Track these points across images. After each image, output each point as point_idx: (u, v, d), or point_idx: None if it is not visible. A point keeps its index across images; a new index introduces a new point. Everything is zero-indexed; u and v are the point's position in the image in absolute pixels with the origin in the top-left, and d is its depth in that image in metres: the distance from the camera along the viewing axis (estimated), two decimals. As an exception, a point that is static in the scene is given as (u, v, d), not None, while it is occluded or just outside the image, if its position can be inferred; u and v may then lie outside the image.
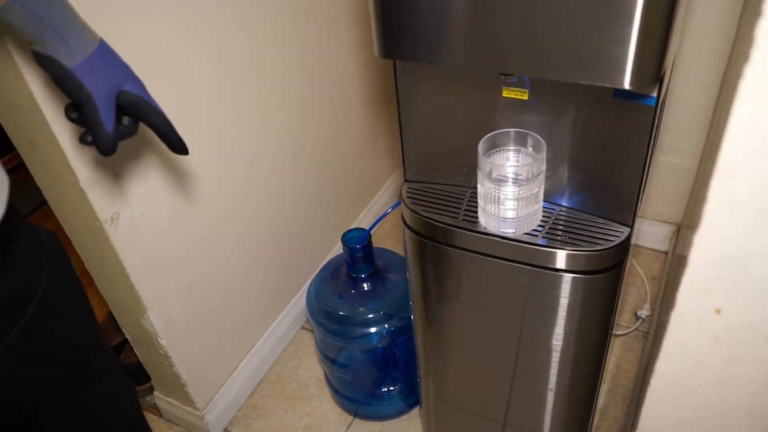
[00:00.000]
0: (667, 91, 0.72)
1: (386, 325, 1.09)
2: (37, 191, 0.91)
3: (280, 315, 1.38)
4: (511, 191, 0.70)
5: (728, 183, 0.40)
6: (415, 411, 1.25)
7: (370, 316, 1.09)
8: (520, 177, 0.72)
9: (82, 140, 0.60)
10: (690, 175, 1.40)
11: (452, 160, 0.80)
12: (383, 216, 1.07)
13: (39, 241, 0.58)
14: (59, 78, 0.57)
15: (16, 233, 0.55)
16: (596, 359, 0.84)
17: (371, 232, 1.08)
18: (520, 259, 0.74)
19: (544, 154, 0.70)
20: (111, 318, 1.28)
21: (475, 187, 0.75)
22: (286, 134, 1.24)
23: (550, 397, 0.88)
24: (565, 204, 0.77)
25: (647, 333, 1.34)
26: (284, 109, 1.22)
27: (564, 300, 0.75)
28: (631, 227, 0.72)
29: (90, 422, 0.65)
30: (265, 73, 1.14)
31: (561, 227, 0.74)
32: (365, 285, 1.11)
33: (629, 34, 0.52)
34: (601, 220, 0.74)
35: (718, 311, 0.46)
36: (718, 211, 0.41)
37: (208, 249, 1.11)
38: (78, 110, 0.60)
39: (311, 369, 1.36)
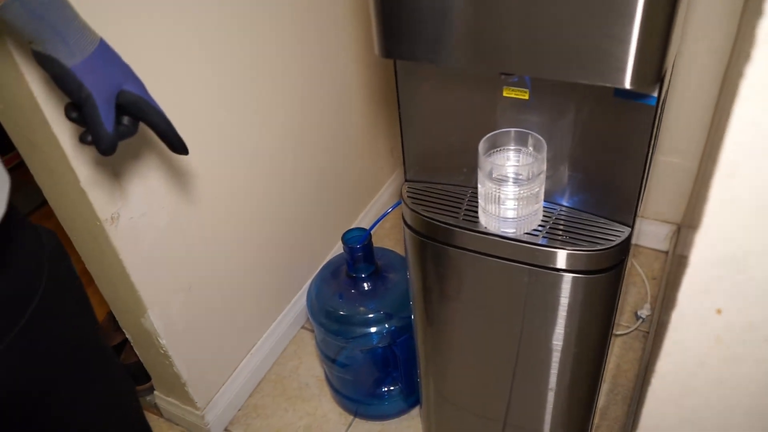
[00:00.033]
0: (667, 90, 0.72)
1: (386, 325, 1.09)
2: (37, 191, 0.91)
3: (280, 315, 1.38)
4: (511, 191, 0.70)
5: (729, 183, 0.40)
6: (416, 411, 1.25)
7: (371, 315, 1.09)
8: (520, 177, 0.72)
9: (82, 140, 0.60)
10: (690, 175, 1.40)
11: (453, 159, 0.80)
12: (383, 216, 1.07)
13: (39, 240, 0.58)
14: (59, 77, 0.57)
15: (17, 233, 0.55)
16: (596, 359, 0.84)
17: (371, 232, 1.08)
18: (521, 258, 0.74)
19: (544, 154, 0.69)
20: (111, 318, 1.28)
21: (476, 187, 0.75)
22: (286, 134, 1.24)
23: (551, 396, 0.88)
24: (565, 204, 0.77)
25: (647, 333, 1.34)
26: (284, 109, 1.22)
27: (564, 300, 0.75)
28: (632, 227, 0.72)
29: (90, 422, 0.65)
30: (265, 73, 1.14)
31: (561, 227, 0.74)
32: (365, 285, 1.11)
33: (630, 33, 0.52)
34: (602, 220, 0.74)
35: (718, 311, 0.46)
36: (719, 210, 0.41)
37: (208, 249, 1.11)
38: (78, 110, 0.59)
39: (311, 369, 1.36)
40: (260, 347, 1.33)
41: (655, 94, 0.62)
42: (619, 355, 1.31)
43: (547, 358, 0.83)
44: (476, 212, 0.76)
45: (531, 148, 0.72)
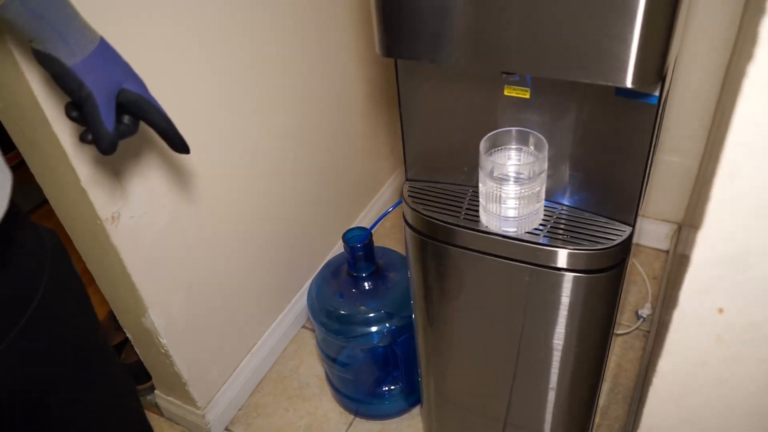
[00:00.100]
0: (669, 90, 0.72)
1: (387, 324, 1.08)
2: (38, 190, 0.90)
3: (280, 314, 1.38)
4: (512, 190, 0.70)
5: (730, 182, 0.40)
6: (416, 410, 1.25)
7: (371, 315, 1.09)
8: (521, 176, 0.72)
9: (83, 139, 0.60)
10: (691, 174, 1.40)
11: (453, 158, 0.80)
12: (384, 215, 1.07)
13: (40, 240, 0.58)
14: (59, 76, 0.56)
15: (17, 232, 0.55)
16: (597, 358, 0.84)
17: (372, 231, 1.08)
18: (522, 258, 0.74)
19: (545, 153, 0.69)
20: (112, 317, 1.28)
21: (477, 186, 0.75)
22: (287, 134, 1.24)
23: (551, 396, 0.88)
24: (566, 203, 0.77)
25: (648, 332, 1.34)
26: (284, 109, 1.22)
27: (565, 299, 0.75)
28: (633, 226, 0.72)
29: (90, 422, 0.65)
30: (265, 73, 1.14)
31: (562, 226, 0.74)
32: (366, 284, 1.11)
33: (631, 32, 0.52)
34: (603, 219, 0.74)
35: (720, 310, 0.46)
36: (720, 210, 0.41)
37: (208, 248, 1.11)
38: (78, 109, 0.59)
39: (312, 368, 1.36)
40: (261, 347, 1.33)
41: (657, 94, 0.62)
42: (619, 355, 1.31)
43: (548, 358, 0.83)
44: (477, 211, 0.76)
45: (532, 147, 0.72)
